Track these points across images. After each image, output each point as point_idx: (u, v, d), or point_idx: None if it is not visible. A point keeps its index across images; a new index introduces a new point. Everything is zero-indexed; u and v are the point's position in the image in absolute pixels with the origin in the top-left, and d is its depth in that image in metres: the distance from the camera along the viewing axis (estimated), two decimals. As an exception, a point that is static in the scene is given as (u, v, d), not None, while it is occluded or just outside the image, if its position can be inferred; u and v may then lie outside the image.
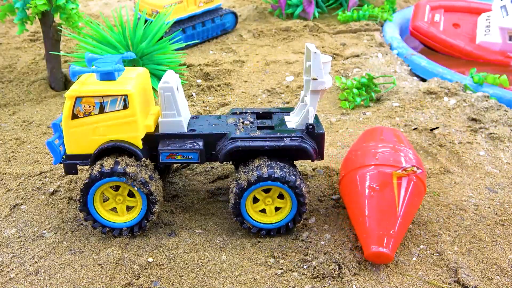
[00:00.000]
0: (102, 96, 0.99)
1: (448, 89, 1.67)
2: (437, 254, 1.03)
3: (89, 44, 1.70)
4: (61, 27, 1.70)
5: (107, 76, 1.00)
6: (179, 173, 1.29)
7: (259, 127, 1.08)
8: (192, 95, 1.73)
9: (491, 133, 1.45)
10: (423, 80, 1.89)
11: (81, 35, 1.75)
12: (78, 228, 1.10)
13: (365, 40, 2.25)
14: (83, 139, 1.02)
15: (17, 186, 1.24)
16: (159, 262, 1.00)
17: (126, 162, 1.00)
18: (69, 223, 1.11)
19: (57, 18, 1.70)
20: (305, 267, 0.99)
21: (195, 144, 1.04)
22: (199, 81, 1.82)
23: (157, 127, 1.07)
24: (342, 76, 1.86)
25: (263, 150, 1.03)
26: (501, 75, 1.72)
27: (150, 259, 1.01)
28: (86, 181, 1.00)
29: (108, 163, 1.00)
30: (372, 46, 2.18)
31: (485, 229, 1.10)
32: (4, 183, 1.25)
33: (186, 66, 1.93)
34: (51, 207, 1.17)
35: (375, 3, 2.70)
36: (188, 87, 1.78)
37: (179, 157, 1.04)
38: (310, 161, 1.10)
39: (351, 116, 1.60)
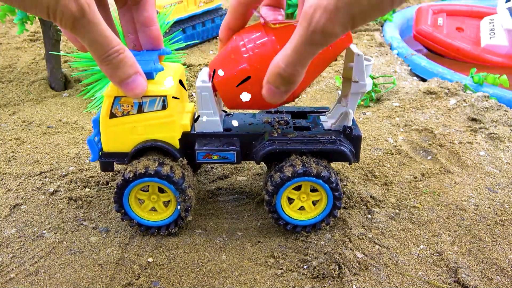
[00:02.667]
0: (141, 96, 0.98)
1: (448, 89, 1.67)
2: (437, 254, 1.03)
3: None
4: (61, 27, 1.70)
5: (145, 75, 0.98)
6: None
7: (295, 128, 1.08)
8: (192, 95, 1.73)
9: (491, 133, 1.45)
10: (423, 80, 1.89)
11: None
12: (78, 228, 1.10)
13: (365, 40, 2.25)
14: (120, 138, 1.02)
15: (17, 186, 1.24)
16: (159, 262, 1.00)
17: (169, 164, 1.01)
18: (69, 223, 1.11)
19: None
20: (305, 267, 0.99)
21: (231, 144, 1.04)
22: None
23: (192, 125, 1.07)
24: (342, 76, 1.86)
25: (301, 152, 1.02)
26: (501, 75, 1.72)
27: (150, 259, 1.01)
28: (124, 179, 1.00)
29: (151, 164, 1.00)
30: (372, 46, 2.18)
31: (485, 229, 1.10)
32: (4, 183, 1.25)
33: (186, 66, 1.93)
34: (51, 207, 1.16)
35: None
36: (188, 87, 1.78)
37: (215, 157, 1.04)
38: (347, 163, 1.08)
39: (351, 116, 1.60)
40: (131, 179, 1.00)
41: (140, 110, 0.99)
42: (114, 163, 1.05)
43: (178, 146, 1.03)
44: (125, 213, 1.04)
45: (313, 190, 1.05)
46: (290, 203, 1.06)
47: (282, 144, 1.01)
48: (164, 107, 0.99)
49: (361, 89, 1.00)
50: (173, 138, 1.02)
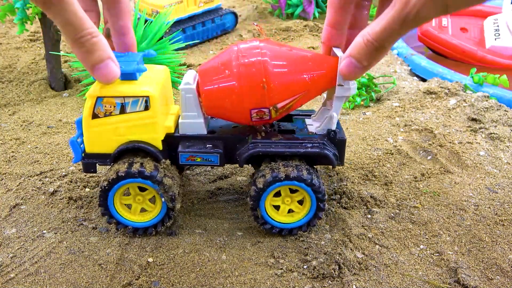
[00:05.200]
0: (124, 97, 0.98)
1: (448, 89, 1.67)
2: (437, 254, 1.03)
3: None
4: (61, 27, 1.70)
5: (128, 76, 0.99)
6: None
7: (280, 131, 1.07)
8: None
9: (491, 133, 1.45)
10: (423, 80, 1.89)
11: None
12: (78, 228, 1.10)
13: (365, 40, 2.25)
14: (103, 138, 1.02)
15: (17, 186, 1.24)
16: (159, 262, 1.00)
17: (139, 162, 1.01)
18: (69, 223, 1.11)
19: (57, 18, 1.70)
20: (305, 267, 0.99)
21: (215, 147, 1.04)
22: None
23: (177, 127, 1.07)
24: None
25: (284, 156, 1.02)
26: (501, 75, 1.72)
27: (150, 259, 1.01)
28: (109, 180, 1.00)
29: (121, 167, 1.00)
30: (372, 46, 2.18)
31: (485, 229, 1.10)
32: (4, 183, 1.25)
33: (186, 66, 1.93)
34: (51, 207, 1.16)
35: (375, 3, 2.70)
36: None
37: (198, 160, 1.04)
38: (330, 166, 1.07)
39: (351, 116, 1.60)
40: (107, 187, 1.01)
41: (122, 110, 0.99)
42: (97, 164, 1.05)
43: (161, 148, 1.03)
44: (111, 216, 1.05)
45: (293, 191, 1.05)
46: (278, 210, 1.06)
47: (266, 147, 1.01)
48: (146, 107, 0.99)
49: (345, 93, 1.00)
50: (156, 140, 1.02)
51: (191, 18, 2.20)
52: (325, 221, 1.12)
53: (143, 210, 1.07)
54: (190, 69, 1.01)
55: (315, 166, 1.08)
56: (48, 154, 1.38)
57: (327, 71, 0.99)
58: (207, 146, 1.04)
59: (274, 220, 1.05)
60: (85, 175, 1.27)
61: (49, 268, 0.99)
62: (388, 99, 1.69)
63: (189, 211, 1.16)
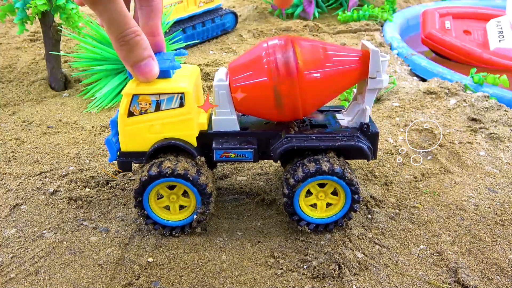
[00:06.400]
0: (159, 94, 0.98)
1: (448, 89, 1.67)
2: (437, 254, 1.03)
3: (89, 44, 1.70)
4: (61, 27, 1.70)
5: (163, 74, 0.99)
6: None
7: (312, 125, 1.07)
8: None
9: (491, 133, 1.45)
10: (423, 80, 1.89)
11: (81, 35, 1.75)
12: (78, 228, 1.10)
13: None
14: (138, 136, 1.02)
15: (17, 186, 1.24)
16: (159, 262, 1.00)
17: (185, 164, 1.01)
18: (69, 223, 1.11)
19: (57, 18, 1.70)
20: (305, 267, 0.99)
21: (249, 142, 1.04)
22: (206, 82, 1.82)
23: (209, 124, 1.07)
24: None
25: (318, 150, 1.02)
26: (501, 75, 1.72)
27: (150, 259, 1.01)
28: (144, 179, 1.00)
29: (168, 164, 1.00)
30: (372, 46, 2.18)
31: (485, 229, 1.10)
32: (4, 183, 1.25)
33: (186, 66, 1.93)
34: (51, 207, 1.16)
35: (375, 3, 2.70)
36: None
37: (233, 156, 1.04)
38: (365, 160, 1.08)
39: (351, 116, 1.60)
40: (142, 186, 1.00)
41: (158, 108, 0.99)
42: (132, 162, 1.05)
43: (195, 145, 1.03)
44: (143, 208, 1.04)
45: (334, 193, 1.05)
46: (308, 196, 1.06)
47: (300, 141, 1.01)
48: (181, 104, 0.99)
49: (378, 85, 1.00)
50: (191, 136, 1.02)
51: (191, 18, 2.20)
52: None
53: (181, 207, 1.07)
54: (221, 67, 1.03)
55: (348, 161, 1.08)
56: (48, 154, 1.38)
57: (359, 65, 1.00)
58: (241, 142, 1.04)
59: (311, 217, 1.05)
60: (85, 175, 1.27)
61: (49, 268, 0.99)
62: (388, 99, 1.69)
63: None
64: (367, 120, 1.03)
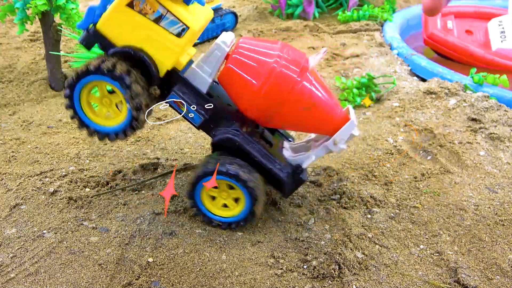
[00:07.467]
0: (168, 11, 0.95)
1: (448, 89, 1.67)
2: (437, 254, 1.03)
3: (89, 44, 1.70)
4: (61, 27, 1.71)
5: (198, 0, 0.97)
6: (179, 174, 1.29)
7: (261, 136, 1.08)
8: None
9: (491, 133, 1.45)
10: (423, 80, 1.89)
11: (81, 35, 1.75)
12: (78, 228, 1.10)
13: (365, 40, 2.25)
14: (121, 28, 0.97)
15: (17, 186, 1.24)
16: (159, 262, 1.00)
17: (112, 60, 0.96)
18: (69, 223, 1.11)
19: (57, 18, 1.70)
20: (305, 267, 0.99)
21: (204, 110, 1.02)
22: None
23: (184, 68, 1.05)
24: (342, 76, 1.86)
25: (250, 158, 1.02)
26: (501, 75, 1.72)
27: (150, 259, 1.01)
28: (78, 72, 0.96)
29: (114, 64, 0.96)
30: (372, 46, 2.18)
31: (485, 229, 1.10)
32: (4, 183, 1.25)
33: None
34: (51, 207, 1.17)
35: (375, 3, 2.70)
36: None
37: (183, 109, 1.02)
38: (280, 192, 1.09)
39: (351, 116, 1.60)
40: (74, 80, 0.97)
41: (157, 21, 0.96)
42: (95, 45, 1.00)
43: (161, 74, 1.00)
44: (72, 104, 1.00)
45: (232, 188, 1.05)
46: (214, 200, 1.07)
47: (245, 141, 1.01)
48: (179, 34, 0.96)
49: (335, 150, 1.02)
50: (164, 65, 0.99)
51: (191, 18, 2.20)
52: (325, 221, 1.12)
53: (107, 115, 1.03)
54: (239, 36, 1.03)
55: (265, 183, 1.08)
56: (48, 154, 1.38)
57: (332, 125, 1.01)
58: (198, 104, 1.02)
59: (209, 211, 1.07)
60: (85, 175, 1.27)
61: (49, 268, 0.99)
62: (388, 99, 1.69)
63: (189, 211, 1.16)
64: (305, 166, 1.04)
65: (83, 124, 1.03)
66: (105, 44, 0.99)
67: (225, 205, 1.07)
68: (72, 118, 1.02)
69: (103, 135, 1.04)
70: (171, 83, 1.02)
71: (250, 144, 1.01)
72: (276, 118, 1.02)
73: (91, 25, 0.99)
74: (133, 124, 1.02)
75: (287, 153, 1.09)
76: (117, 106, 1.05)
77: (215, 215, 1.07)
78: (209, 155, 1.07)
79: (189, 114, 1.02)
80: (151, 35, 0.97)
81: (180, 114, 1.03)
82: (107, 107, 1.03)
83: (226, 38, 1.02)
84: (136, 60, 0.99)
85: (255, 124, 1.09)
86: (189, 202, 1.07)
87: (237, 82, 1.00)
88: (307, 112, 1.00)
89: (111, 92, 1.03)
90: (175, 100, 1.01)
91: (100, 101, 1.03)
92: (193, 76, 1.03)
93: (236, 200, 1.06)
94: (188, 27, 0.96)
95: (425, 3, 0.81)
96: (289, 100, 0.98)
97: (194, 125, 1.04)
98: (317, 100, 1.00)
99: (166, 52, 0.98)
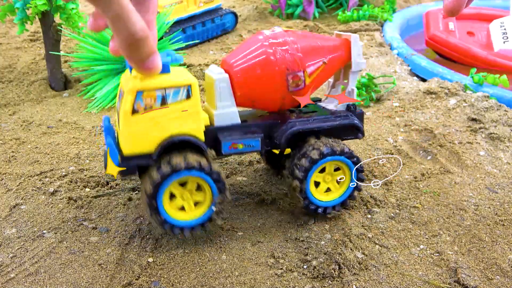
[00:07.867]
0: (165, 88, 0.94)
1: (448, 89, 1.67)
2: (437, 254, 1.03)
3: (89, 44, 1.70)
4: (61, 27, 1.71)
5: (164, 68, 0.95)
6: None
7: (304, 113, 1.10)
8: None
9: (491, 133, 1.45)
10: (423, 80, 1.89)
11: (81, 35, 1.75)
12: (78, 228, 1.10)
13: (365, 40, 2.25)
14: (143, 136, 0.95)
15: (17, 186, 1.24)
16: (159, 262, 1.00)
17: (195, 157, 0.97)
18: (69, 223, 1.11)
19: (57, 18, 1.70)
20: (305, 267, 0.99)
21: (255, 132, 1.05)
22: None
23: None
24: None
25: (317, 131, 1.06)
26: (501, 75, 1.72)
27: (150, 259, 1.01)
28: (157, 180, 0.95)
29: (178, 159, 0.95)
30: (372, 46, 2.18)
31: (485, 229, 1.10)
32: (4, 183, 1.25)
33: (186, 66, 1.93)
34: (51, 207, 1.16)
35: (375, 3, 2.70)
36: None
37: (241, 146, 1.04)
38: (357, 139, 1.15)
39: (351, 116, 1.60)
40: (157, 183, 0.95)
41: (163, 102, 0.95)
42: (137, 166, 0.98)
43: (203, 139, 1.00)
44: (159, 214, 0.98)
45: (336, 169, 1.08)
46: (317, 187, 1.09)
47: (304, 124, 1.04)
48: (188, 96, 0.96)
49: (361, 67, 1.10)
50: (199, 131, 0.99)
51: (191, 18, 2.20)
52: (325, 221, 1.12)
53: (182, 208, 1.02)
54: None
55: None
56: (48, 154, 1.38)
57: (343, 52, 1.10)
58: (247, 132, 1.05)
59: (314, 197, 1.08)
60: (85, 175, 1.27)
61: (49, 268, 0.99)
62: (388, 99, 1.69)
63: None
64: (356, 98, 1.11)
65: (177, 228, 1.01)
66: (143, 158, 0.96)
67: (328, 190, 1.10)
68: (164, 229, 1.00)
69: (199, 227, 1.02)
70: (214, 139, 1.04)
71: (308, 123, 1.05)
72: (313, 85, 1.07)
73: (119, 157, 0.96)
74: (205, 225, 1.03)
75: (331, 106, 1.14)
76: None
77: (319, 200, 1.08)
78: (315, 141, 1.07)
79: (249, 146, 1.05)
80: (170, 117, 0.96)
81: (242, 153, 1.06)
82: (190, 199, 1.02)
83: (216, 69, 1.05)
84: (175, 146, 0.98)
85: (290, 111, 1.12)
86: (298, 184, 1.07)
87: (255, 74, 1.04)
88: (325, 65, 1.08)
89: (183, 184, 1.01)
90: (229, 146, 1.04)
91: (182, 198, 1.01)
92: (221, 118, 1.04)
93: (338, 182, 1.10)
94: (190, 85, 0.96)
95: (446, 4, 0.83)
96: (298, 41, 1.05)
97: (259, 151, 1.08)
98: (314, 38, 1.10)
99: (191, 118, 0.97)
